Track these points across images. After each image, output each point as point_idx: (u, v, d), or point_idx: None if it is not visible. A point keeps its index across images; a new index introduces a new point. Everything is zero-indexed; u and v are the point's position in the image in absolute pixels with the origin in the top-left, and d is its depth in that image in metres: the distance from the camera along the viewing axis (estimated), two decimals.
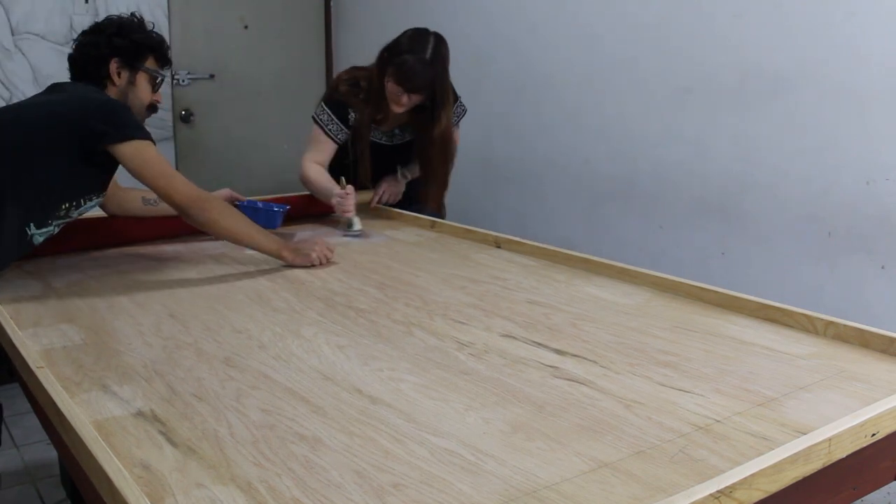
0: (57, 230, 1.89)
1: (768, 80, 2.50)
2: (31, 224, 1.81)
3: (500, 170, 3.51)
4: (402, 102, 2.45)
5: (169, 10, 3.98)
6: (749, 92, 2.55)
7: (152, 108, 2.08)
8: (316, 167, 2.58)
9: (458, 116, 2.73)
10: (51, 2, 3.67)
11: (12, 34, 3.61)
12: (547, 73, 3.21)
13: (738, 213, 2.62)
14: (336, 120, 2.58)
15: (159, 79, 2.07)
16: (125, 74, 2.01)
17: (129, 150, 1.81)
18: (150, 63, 2.03)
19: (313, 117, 2.61)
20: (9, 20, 3.59)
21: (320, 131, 2.59)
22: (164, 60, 2.07)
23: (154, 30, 2.08)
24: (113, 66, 1.99)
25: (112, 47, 2.00)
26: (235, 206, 2.15)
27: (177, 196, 1.85)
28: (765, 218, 2.55)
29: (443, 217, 2.69)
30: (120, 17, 2.06)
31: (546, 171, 3.16)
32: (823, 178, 2.38)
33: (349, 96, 2.57)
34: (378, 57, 2.49)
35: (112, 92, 2.00)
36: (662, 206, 2.87)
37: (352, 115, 2.58)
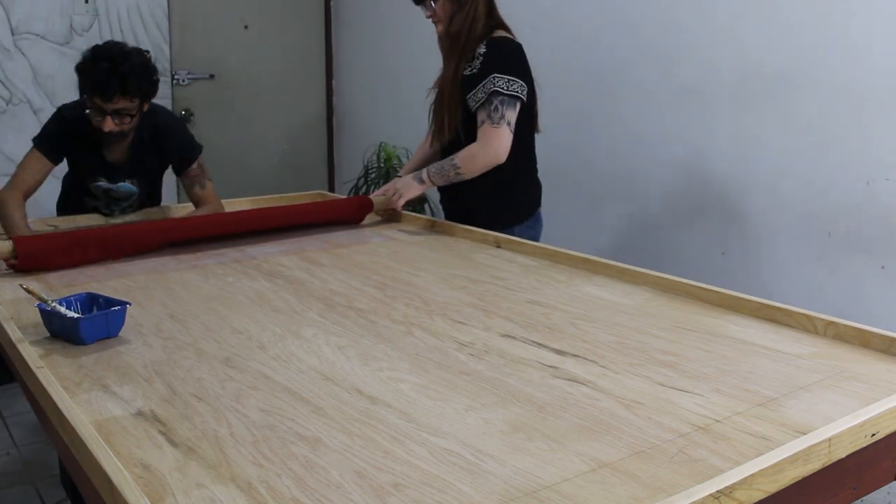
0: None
1: (768, 80, 2.50)
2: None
3: None
4: (428, 17, 2.38)
5: (169, 10, 3.98)
6: (749, 92, 2.55)
7: (98, 131, 2.31)
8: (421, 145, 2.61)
9: (484, 92, 2.27)
10: (51, 2, 3.68)
11: (12, 34, 3.61)
12: (547, 72, 3.20)
13: (738, 213, 2.62)
14: None
15: (92, 107, 2.29)
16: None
17: None
18: (88, 94, 2.28)
19: None
20: (9, 20, 3.59)
21: None
22: (91, 90, 2.26)
23: (98, 62, 2.25)
24: None
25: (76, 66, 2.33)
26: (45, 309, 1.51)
27: None
28: (765, 218, 2.55)
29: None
30: (91, 47, 2.33)
31: (546, 171, 3.16)
32: (823, 178, 2.38)
33: None
34: None
35: None
36: (662, 206, 2.87)
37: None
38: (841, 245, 2.36)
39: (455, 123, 2.37)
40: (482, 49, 2.31)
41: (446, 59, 2.42)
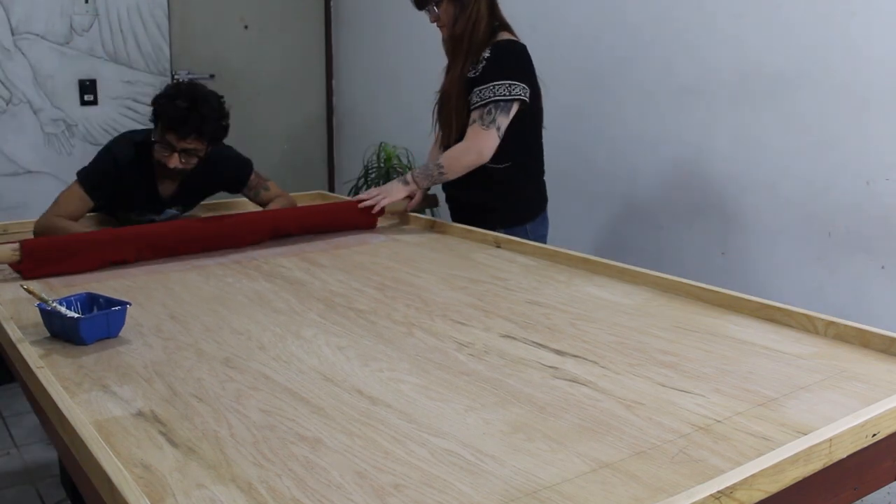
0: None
1: (768, 79, 2.50)
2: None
3: None
4: (432, 21, 2.40)
5: (169, 10, 3.98)
6: (749, 92, 2.55)
7: (163, 166, 2.33)
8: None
9: (488, 92, 2.30)
10: (51, 2, 3.68)
11: (12, 34, 3.61)
12: (547, 72, 3.20)
13: (738, 213, 2.62)
14: None
15: (163, 142, 2.29)
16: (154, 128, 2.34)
17: None
18: (160, 128, 2.30)
19: None
20: (9, 20, 3.59)
21: None
22: (166, 126, 2.27)
23: (177, 99, 2.27)
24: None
25: (153, 100, 2.36)
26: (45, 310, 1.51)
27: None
28: (765, 218, 2.55)
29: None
30: (172, 84, 2.41)
31: (546, 171, 3.16)
32: (823, 178, 2.38)
33: None
34: None
35: None
36: (662, 206, 2.87)
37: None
38: (841, 245, 2.36)
39: (462, 125, 2.38)
40: (486, 53, 2.33)
41: (451, 61, 2.43)
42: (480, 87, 2.30)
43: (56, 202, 2.32)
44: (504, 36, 2.39)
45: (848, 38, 2.29)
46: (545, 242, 2.48)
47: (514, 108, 2.32)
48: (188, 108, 2.24)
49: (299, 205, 2.62)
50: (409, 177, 2.43)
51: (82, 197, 2.32)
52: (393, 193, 2.41)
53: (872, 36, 2.24)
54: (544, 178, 2.56)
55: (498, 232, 2.29)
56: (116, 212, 2.48)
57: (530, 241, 2.22)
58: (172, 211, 2.49)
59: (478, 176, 2.36)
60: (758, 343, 1.45)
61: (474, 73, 2.35)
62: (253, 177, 2.58)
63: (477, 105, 2.31)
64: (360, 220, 2.41)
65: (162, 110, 2.28)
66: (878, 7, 2.22)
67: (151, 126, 2.36)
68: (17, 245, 1.89)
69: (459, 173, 2.36)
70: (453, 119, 2.39)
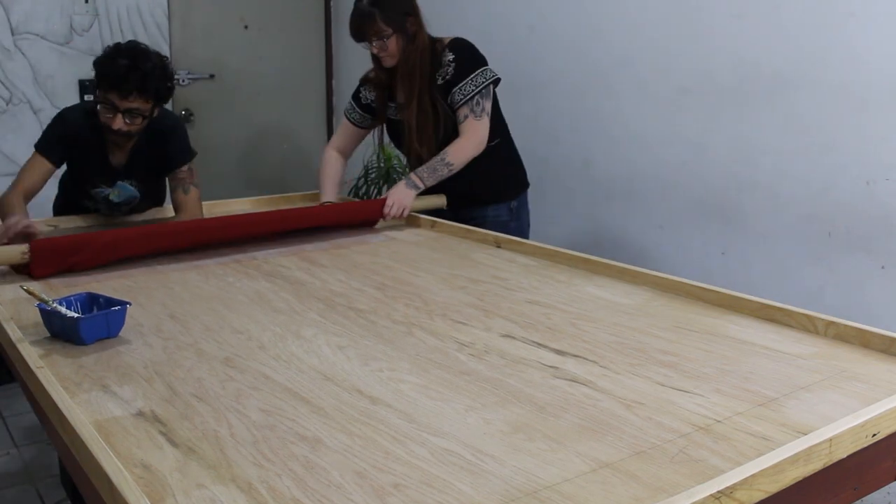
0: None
1: (768, 80, 2.50)
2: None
3: None
4: (377, 55, 2.45)
5: (169, 10, 3.98)
6: (748, 92, 2.56)
7: (109, 129, 2.30)
8: (329, 154, 2.68)
9: (473, 85, 2.47)
10: (51, 2, 3.67)
11: (12, 34, 3.61)
12: (546, 73, 3.21)
13: (738, 213, 2.62)
14: (350, 100, 2.67)
15: (105, 103, 2.27)
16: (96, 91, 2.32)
17: None
18: (102, 89, 2.27)
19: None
20: (9, 20, 3.59)
21: (343, 117, 2.69)
22: (107, 86, 2.25)
23: (118, 58, 2.25)
24: None
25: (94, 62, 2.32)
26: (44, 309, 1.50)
27: None
28: (765, 218, 2.55)
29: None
30: (112, 44, 2.33)
31: (546, 171, 3.16)
32: (823, 178, 2.38)
33: (365, 77, 2.64)
34: None
35: None
36: (662, 206, 2.87)
37: (363, 92, 2.63)
38: (841, 245, 2.36)
39: (443, 134, 2.50)
40: (449, 56, 2.47)
41: (408, 88, 2.48)
42: (460, 85, 2.46)
43: (20, 174, 2.34)
44: (443, 38, 2.52)
45: (847, 39, 2.29)
46: (528, 228, 2.64)
47: (492, 90, 2.51)
48: (129, 65, 2.22)
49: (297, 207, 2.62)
50: (414, 178, 2.48)
51: (40, 161, 2.34)
52: (407, 200, 2.45)
53: (871, 36, 2.24)
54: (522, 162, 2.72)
55: (483, 209, 2.49)
56: (72, 187, 2.50)
57: (513, 218, 2.44)
58: (126, 186, 2.47)
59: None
60: (758, 343, 1.45)
61: (444, 78, 2.48)
62: (185, 169, 2.51)
63: (463, 101, 2.46)
64: (367, 215, 2.45)
65: (103, 70, 2.26)
66: (877, 8, 2.22)
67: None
68: (26, 247, 1.88)
69: (462, 166, 2.50)
70: (432, 133, 2.49)
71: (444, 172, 2.48)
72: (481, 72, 2.47)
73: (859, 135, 2.29)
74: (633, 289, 1.79)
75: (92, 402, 1.21)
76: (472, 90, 2.45)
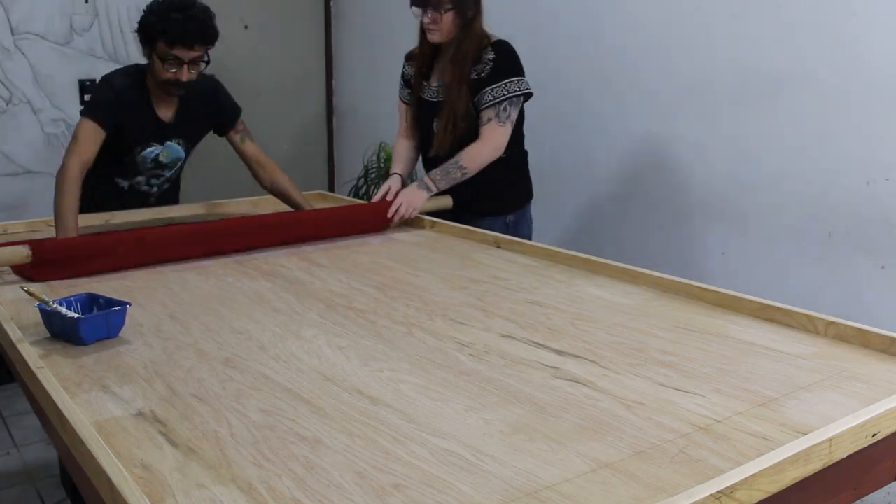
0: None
1: (768, 80, 2.49)
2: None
3: None
4: (428, 27, 2.39)
5: None
6: (749, 92, 2.55)
7: (168, 83, 2.36)
8: (399, 142, 2.64)
9: (501, 90, 2.39)
10: (51, 2, 3.67)
11: (12, 34, 3.61)
12: (547, 73, 3.21)
13: (738, 213, 2.62)
14: (401, 82, 2.62)
15: (169, 59, 2.31)
16: (148, 52, 2.36)
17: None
18: (160, 45, 2.30)
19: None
20: (9, 20, 3.59)
21: (399, 101, 2.63)
22: (171, 41, 2.29)
23: (172, 13, 2.28)
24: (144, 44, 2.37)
25: (139, 26, 2.36)
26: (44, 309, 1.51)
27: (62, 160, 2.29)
28: (765, 218, 2.55)
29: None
30: (152, 3, 2.36)
31: (546, 171, 3.16)
32: (823, 178, 2.38)
33: (410, 54, 2.59)
34: None
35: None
36: (662, 206, 2.87)
37: (406, 68, 2.59)
38: (841, 245, 2.36)
39: (465, 126, 2.44)
40: (490, 55, 2.40)
41: (454, 71, 2.42)
42: (493, 87, 2.40)
43: (75, 144, 2.32)
44: (493, 36, 2.46)
45: (848, 39, 2.29)
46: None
47: (522, 101, 2.46)
48: (184, 17, 2.28)
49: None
50: (427, 181, 2.46)
51: (95, 129, 2.35)
52: (417, 202, 2.42)
53: (872, 36, 2.24)
54: (530, 175, 2.68)
55: (479, 221, 2.41)
56: (121, 151, 2.48)
57: (509, 233, 2.35)
58: (174, 146, 2.52)
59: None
60: (758, 343, 1.45)
61: (478, 75, 2.40)
62: (241, 121, 2.65)
63: (490, 103, 2.40)
64: (374, 222, 2.41)
65: (160, 28, 2.29)
66: (878, 7, 2.22)
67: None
68: (27, 249, 1.86)
69: (476, 171, 2.45)
70: (454, 123, 2.43)
71: (458, 176, 2.43)
72: (517, 80, 2.41)
73: (859, 135, 2.29)
74: (633, 289, 1.79)
75: (92, 402, 1.21)
76: (503, 94, 2.39)
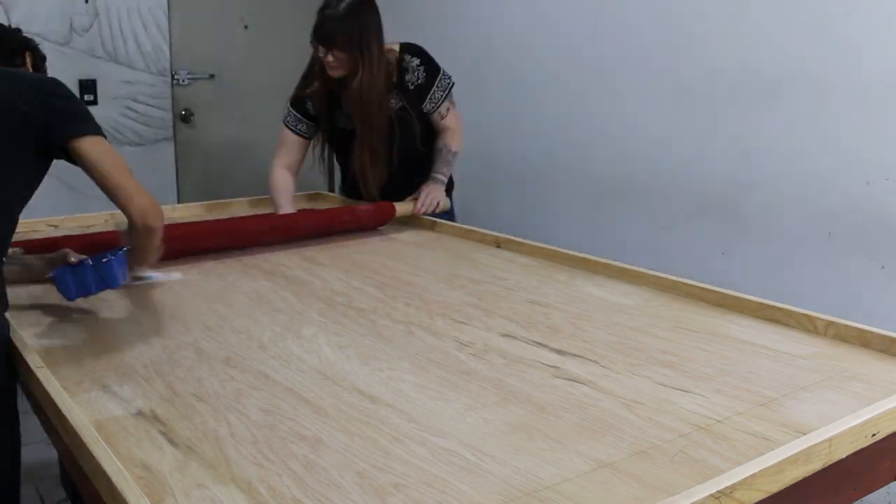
0: None
1: (768, 79, 2.49)
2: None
3: (500, 170, 3.50)
4: (328, 62, 2.38)
5: (169, 10, 3.98)
6: (749, 92, 2.55)
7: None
8: (280, 172, 2.58)
9: (441, 90, 2.55)
10: (51, 2, 3.67)
11: None
12: (547, 72, 3.21)
13: (738, 213, 2.62)
14: (295, 113, 2.60)
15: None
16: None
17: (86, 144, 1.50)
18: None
19: (282, 121, 2.63)
20: (9, 20, 3.59)
21: (285, 129, 2.61)
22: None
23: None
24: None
25: None
26: (50, 277, 1.58)
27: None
28: (765, 218, 2.55)
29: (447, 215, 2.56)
30: None
31: (546, 171, 3.16)
32: (823, 178, 2.38)
33: (305, 89, 2.59)
34: None
35: None
36: (662, 206, 2.87)
37: (309, 104, 2.58)
38: (841, 245, 2.36)
39: (417, 138, 2.56)
40: (415, 61, 2.49)
41: (375, 104, 2.42)
42: (434, 88, 2.52)
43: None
44: (393, 43, 2.52)
45: (848, 38, 2.29)
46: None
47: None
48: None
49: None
50: (439, 176, 2.56)
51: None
52: (441, 195, 2.53)
53: (872, 36, 2.24)
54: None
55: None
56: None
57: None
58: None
59: (414, 160, 2.56)
60: (758, 343, 1.45)
61: (415, 83, 2.50)
62: None
63: (442, 99, 2.54)
64: (376, 220, 2.45)
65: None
66: (878, 7, 2.22)
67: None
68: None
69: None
70: (385, 146, 2.50)
71: (455, 162, 2.60)
72: (444, 76, 2.55)
73: (859, 135, 2.29)
74: (633, 289, 1.79)
75: (92, 401, 1.21)
76: (447, 85, 2.55)
